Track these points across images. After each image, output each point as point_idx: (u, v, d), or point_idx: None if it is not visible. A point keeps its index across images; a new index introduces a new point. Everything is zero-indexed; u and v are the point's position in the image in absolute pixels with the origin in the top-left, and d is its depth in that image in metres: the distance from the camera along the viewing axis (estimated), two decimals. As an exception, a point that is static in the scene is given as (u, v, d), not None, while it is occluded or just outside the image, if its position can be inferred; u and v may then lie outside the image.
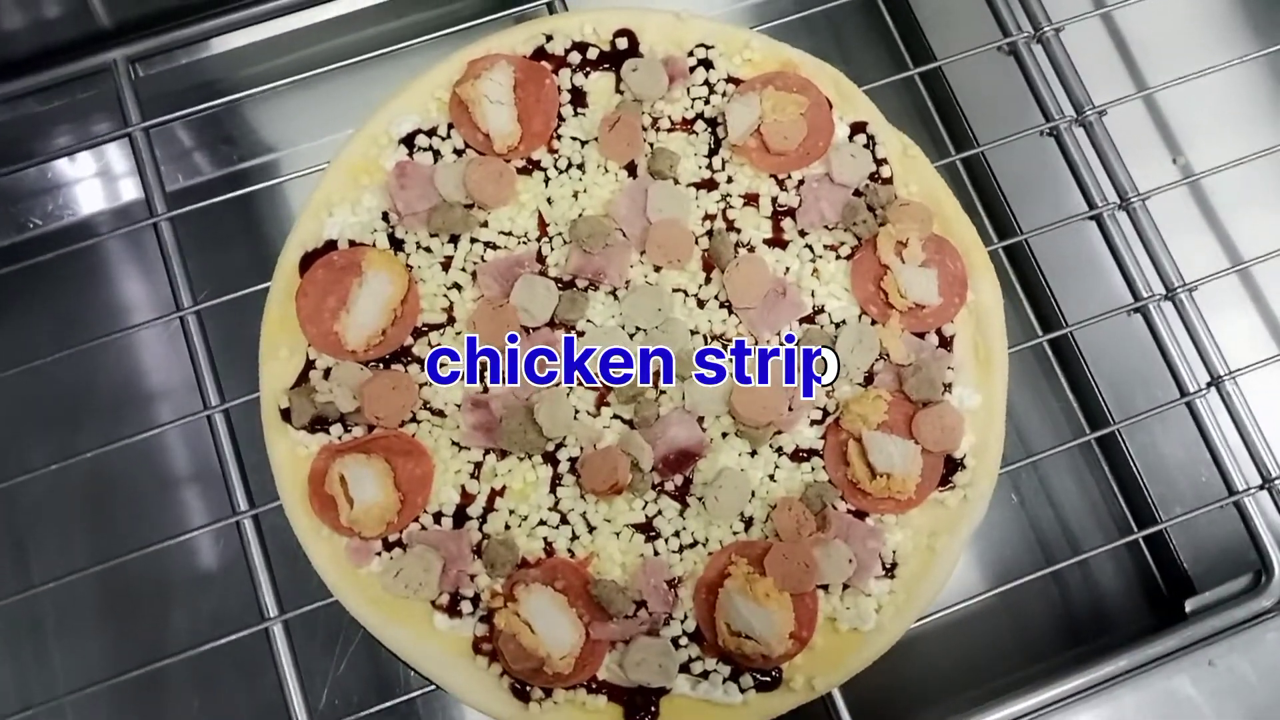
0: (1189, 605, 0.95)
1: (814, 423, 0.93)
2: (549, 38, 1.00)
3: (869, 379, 0.94)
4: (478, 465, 0.92)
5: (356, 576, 0.89)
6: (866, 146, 0.98)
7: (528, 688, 0.87)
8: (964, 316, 0.95)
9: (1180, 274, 1.00)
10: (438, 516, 0.90)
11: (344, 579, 0.88)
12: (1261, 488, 0.95)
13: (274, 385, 0.93)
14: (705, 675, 0.87)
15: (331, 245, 0.95)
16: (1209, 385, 0.98)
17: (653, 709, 0.87)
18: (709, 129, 0.99)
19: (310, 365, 0.93)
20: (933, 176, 0.99)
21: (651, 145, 0.98)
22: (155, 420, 1.09)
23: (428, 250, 0.96)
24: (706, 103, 0.99)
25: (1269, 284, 1.08)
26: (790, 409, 0.92)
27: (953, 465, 0.92)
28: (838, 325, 0.95)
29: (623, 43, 1.00)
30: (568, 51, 1.00)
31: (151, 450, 1.12)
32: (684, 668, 0.88)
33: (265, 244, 1.19)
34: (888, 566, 0.90)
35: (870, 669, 0.88)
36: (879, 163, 0.98)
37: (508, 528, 0.90)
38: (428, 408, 0.93)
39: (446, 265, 0.96)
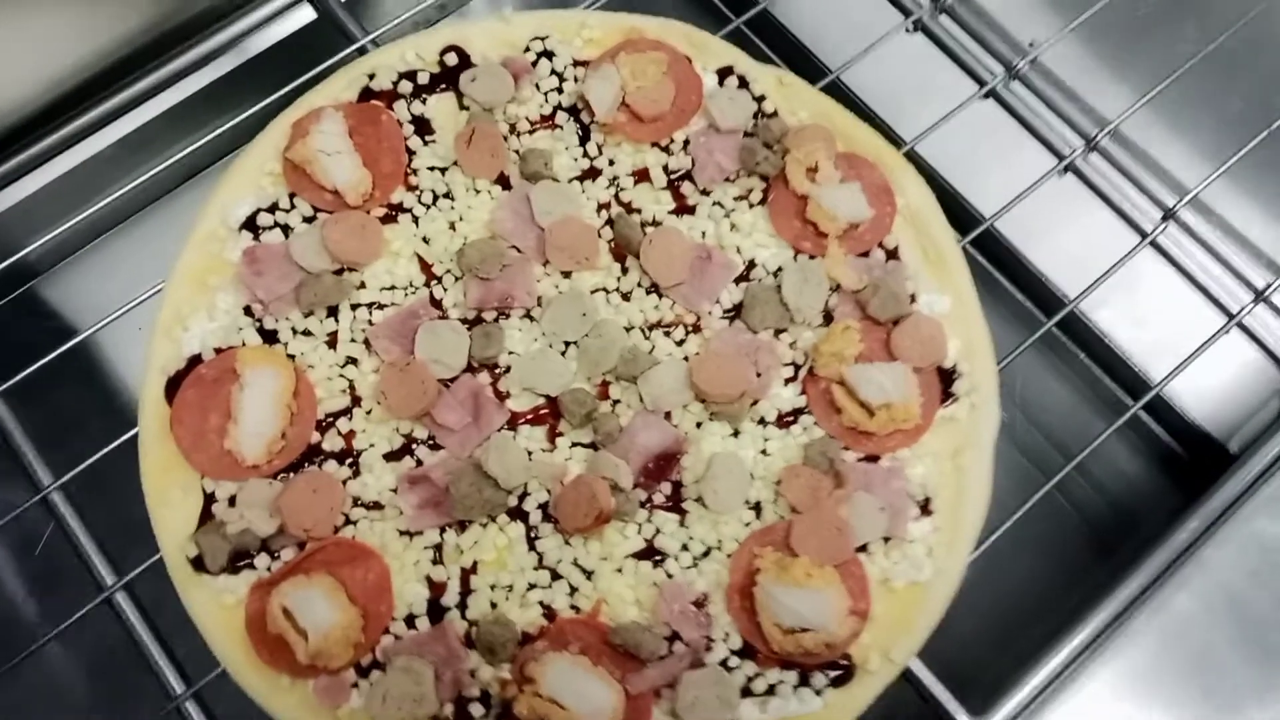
0: (1233, 445, 0.88)
1: (788, 381, 0.83)
2: (371, 76, 0.90)
3: (828, 318, 0.85)
4: (437, 548, 0.78)
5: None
6: (741, 88, 0.91)
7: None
8: (900, 225, 0.87)
9: (1096, 120, 0.94)
10: (410, 620, 0.76)
11: (326, 728, 0.73)
12: (1257, 301, 0.89)
13: (174, 535, 0.78)
14: (772, 691, 0.75)
15: (196, 360, 0.82)
16: (1164, 219, 0.93)
17: (724, 754, 0.73)
18: (572, 118, 0.90)
19: (210, 499, 0.78)
20: (818, 97, 0.92)
21: (518, 151, 0.89)
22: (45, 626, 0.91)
23: (306, 334, 0.83)
24: (560, 93, 0.91)
25: (1184, 107, 1.03)
26: (758, 374, 0.82)
27: (947, 377, 0.83)
28: (775, 273, 0.86)
29: (452, 59, 0.91)
30: (395, 84, 0.90)
31: (51, 662, 0.93)
32: (745, 691, 0.75)
33: (118, 393, 1.03)
34: (921, 504, 0.79)
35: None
36: (758, 100, 0.91)
37: (494, 605, 0.77)
38: (359, 504, 0.79)
39: (333, 342, 0.83)
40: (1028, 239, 1.03)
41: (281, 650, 0.74)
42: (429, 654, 0.74)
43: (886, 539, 0.78)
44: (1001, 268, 1.09)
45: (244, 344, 0.82)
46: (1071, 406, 1.10)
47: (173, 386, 0.81)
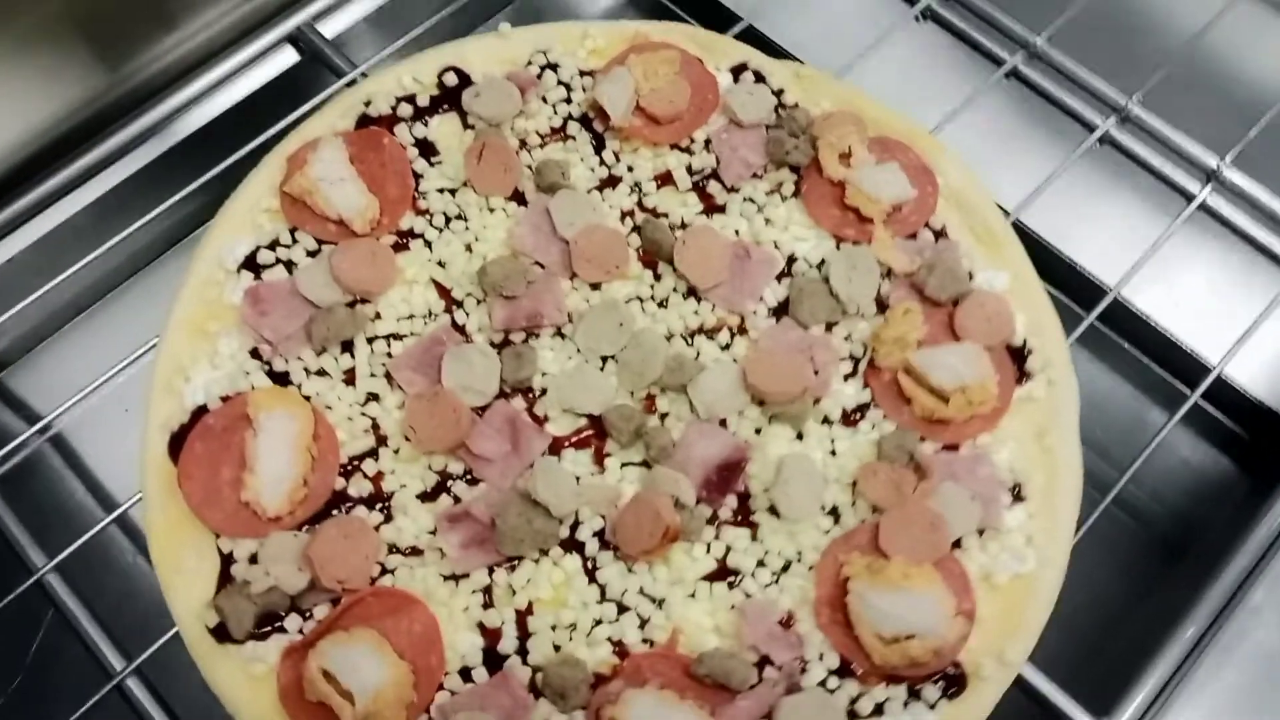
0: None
1: (848, 377, 0.77)
2: (367, 103, 0.85)
3: (881, 306, 0.79)
4: (487, 590, 0.70)
5: (395, 796, 0.64)
6: (757, 83, 0.87)
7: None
8: (943, 206, 0.82)
9: (1123, 91, 0.90)
10: (465, 673, 0.68)
11: (381, 806, 0.64)
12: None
13: (191, 604, 0.69)
14: (880, 710, 0.66)
15: (202, 412, 0.74)
16: (1208, 180, 0.88)
17: (836, 787, 0.65)
18: (584, 128, 0.85)
19: (228, 561, 0.70)
20: (839, 86, 0.88)
21: (530, 166, 0.83)
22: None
23: (321, 373, 0.76)
24: (569, 103, 0.86)
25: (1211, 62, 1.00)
26: (815, 372, 0.76)
27: (1018, 355, 0.77)
28: (819, 266, 0.80)
29: (451, 79, 0.86)
30: (394, 108, 0.85)
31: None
32: (850, 715, 0.66)
33: (112, 476, 0.94)
34: (1013, 490, 0.73)
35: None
36: (777, 94, 0.86)
37: (558, 648, 0.68)
38: (396, 551, 0.71)
39: (351, 379, 0.76)
40: (1054, 229, 0.99)
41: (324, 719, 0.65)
42: (492, 707, 0.65)
43: (980, 532, 0.71)
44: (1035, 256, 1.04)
45: (253, 388, 0.74)
46: (1122, 401, 1.04)
47: (177, 444, 0.73)
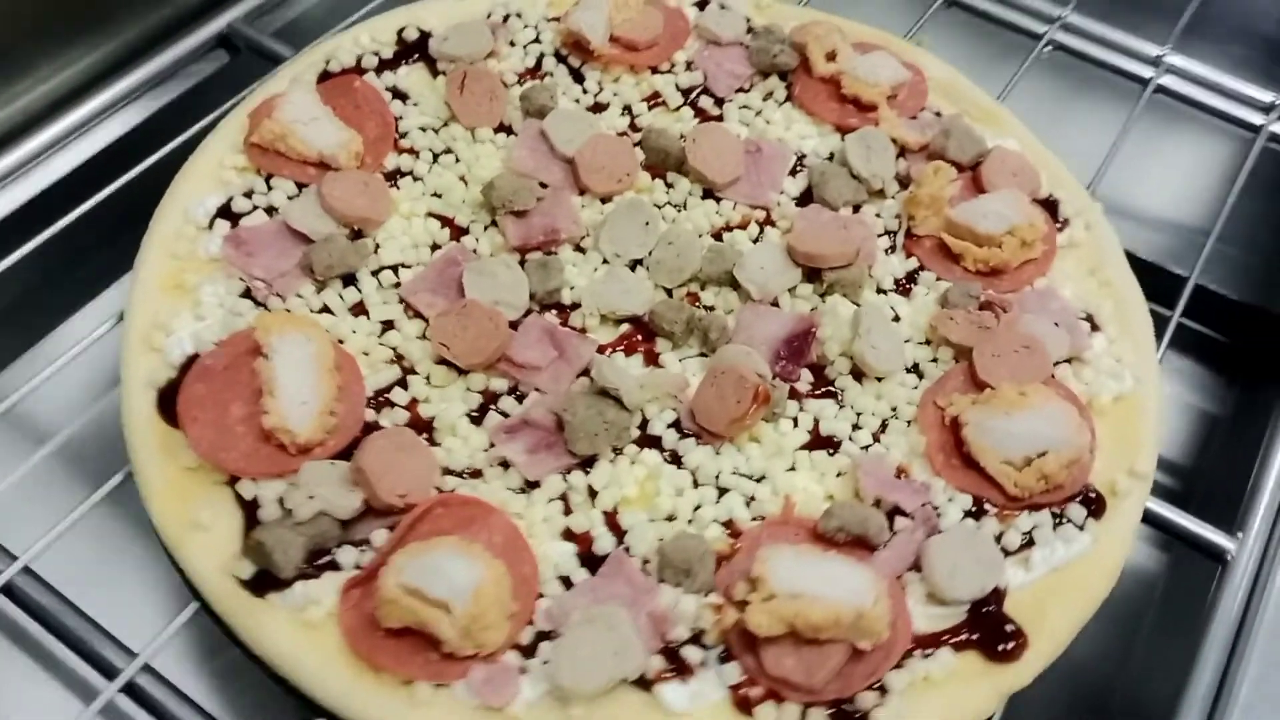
0: None
1: (889, 250, 0.73)
2: (329, 61, 0.79)
3: (903, 185, 0.76)
4: (563, 498, 0.61)
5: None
6: (723, 8, 0.86)
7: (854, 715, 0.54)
8: (932, 96, 0.82)
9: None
10: (565, 582, 0.57)
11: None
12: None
13: (213, 563, 0.57)
14: (1030, 542, 0.60)
15: (192, 361, 0.63)
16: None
17: (1008, 627, 0.57)
18: (560, 63, 0.82)
19: (252, 507, 0.58)
20: (802, 11, 0.88)
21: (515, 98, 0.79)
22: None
23: (326, 310, 0.67)
24: (539, 43, 0.83)
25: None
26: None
27: (1049, 206, 0.76)
28: (830, 157, 0.78)
29: (413, 34, 0.82)
30: (359, 60, 0.80)
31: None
32: (1001, 554, 0.59)
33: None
34: (1086, 318, 0.70)
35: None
36: (747, 19, 0.86)
37: (661, 539, 0.59)
38: (451, 474, 0.61)
39: (360, 311, 0.67)
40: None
41: (409, 654, 0.53)
42: (610, 599, 0.55)
43: (1069, 361, 0.67)
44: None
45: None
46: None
47: (166, 402, 0.62)
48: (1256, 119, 0.90)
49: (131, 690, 0.57)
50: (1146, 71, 0.93)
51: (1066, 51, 0.95)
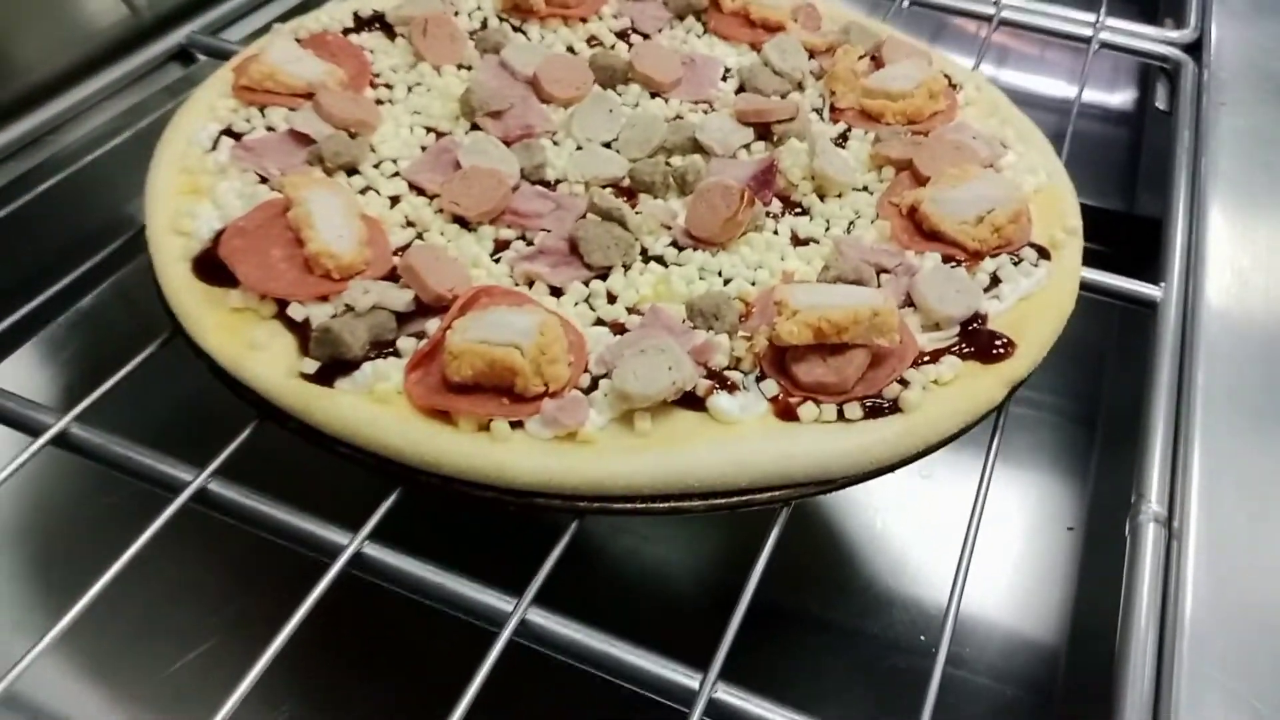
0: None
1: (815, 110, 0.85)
2: (296, 33, 0.88)
3: (819, 79, 0.89)
4: (587, 300, 0.67)
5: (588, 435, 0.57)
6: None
7: (883, 405, 0.60)
8: (826, 25, 0.96)
9: None
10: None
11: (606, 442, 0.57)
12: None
13: (277, 370, 0.60)
14: (996, 279, 0.69)
15: (220, 236, 0.68)
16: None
17: (997, 339, 0.65)
18: (503, 23, 0.92)
19: (304, 330, 0.62)
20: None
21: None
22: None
23: (337, 193, 0.73)
24: (480, 10, 0.93)
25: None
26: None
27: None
28: (749, 68, 0.90)
29: (367, 12, 0.91)
30: (324, 31, 0.88)
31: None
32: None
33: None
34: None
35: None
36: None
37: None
38: (481, 294, 0.67)
39: (366, 192, 0.73)
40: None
41: (483, 401, 0.57)
42: (654, 338, 0.61)
43: (990, 166, 0.79)
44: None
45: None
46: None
47: (204, 266, 0.66)
48: (1086, 31, 1.08)
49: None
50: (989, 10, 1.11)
51: (923, 6, 1.12)
